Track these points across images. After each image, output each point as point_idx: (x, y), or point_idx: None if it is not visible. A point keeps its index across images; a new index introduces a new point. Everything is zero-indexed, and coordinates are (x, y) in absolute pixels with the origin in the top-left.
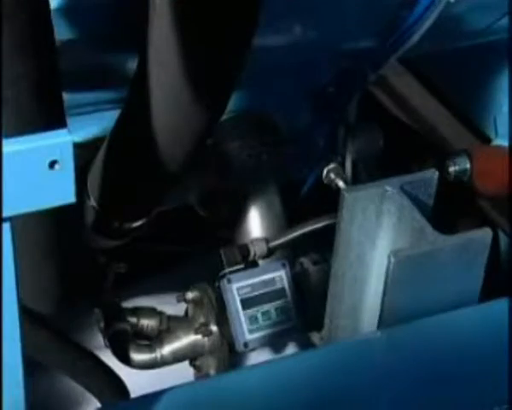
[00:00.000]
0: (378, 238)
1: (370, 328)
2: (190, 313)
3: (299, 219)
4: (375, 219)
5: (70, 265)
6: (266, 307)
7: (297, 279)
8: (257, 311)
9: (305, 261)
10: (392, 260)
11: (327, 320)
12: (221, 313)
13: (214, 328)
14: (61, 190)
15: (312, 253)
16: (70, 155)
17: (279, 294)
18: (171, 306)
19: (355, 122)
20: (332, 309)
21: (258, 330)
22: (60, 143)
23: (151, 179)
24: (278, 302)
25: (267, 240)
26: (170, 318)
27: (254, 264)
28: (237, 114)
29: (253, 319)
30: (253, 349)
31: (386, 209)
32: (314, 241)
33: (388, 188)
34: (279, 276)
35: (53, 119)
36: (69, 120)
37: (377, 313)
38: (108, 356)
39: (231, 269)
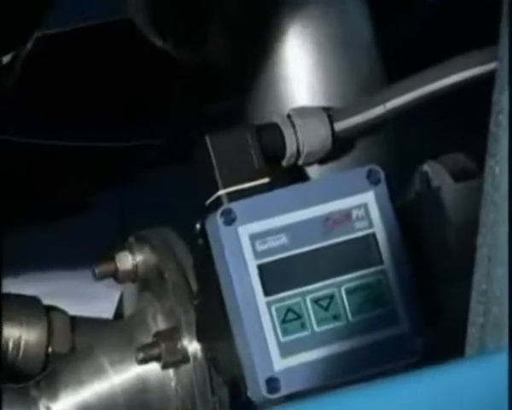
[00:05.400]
0: None
1: None
2: (130, 306)
3: (411, 63)
4: None
5: None
6: (327, 286)
7: (411, 215)
8: (302, 295)
9: (434, 170)
10: None
11: (477, 307)
12: (208, 306)
13: (192, 346)
14: None
15: (450, 152)
16: None
17: (362, 254)
18: (82, 291)
19: None
20: (490, 281)
21: (300, 346)
22: None
23: None
24: (359, 274)
25: (329, 114)
26: (76, 321)
27: (297, 175)
28: None
29: (290, 320)
30: (287, 397)
31: None
32: (452, 122)
33: None
34: (362, 206)
35: None
36: None
37: None
38: None
39: (234, 189)
